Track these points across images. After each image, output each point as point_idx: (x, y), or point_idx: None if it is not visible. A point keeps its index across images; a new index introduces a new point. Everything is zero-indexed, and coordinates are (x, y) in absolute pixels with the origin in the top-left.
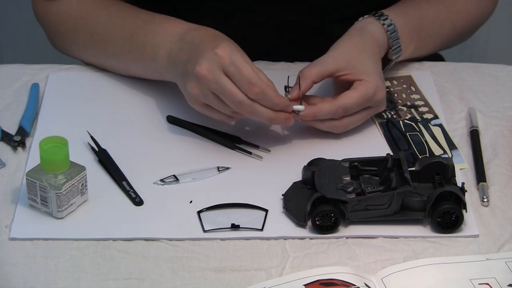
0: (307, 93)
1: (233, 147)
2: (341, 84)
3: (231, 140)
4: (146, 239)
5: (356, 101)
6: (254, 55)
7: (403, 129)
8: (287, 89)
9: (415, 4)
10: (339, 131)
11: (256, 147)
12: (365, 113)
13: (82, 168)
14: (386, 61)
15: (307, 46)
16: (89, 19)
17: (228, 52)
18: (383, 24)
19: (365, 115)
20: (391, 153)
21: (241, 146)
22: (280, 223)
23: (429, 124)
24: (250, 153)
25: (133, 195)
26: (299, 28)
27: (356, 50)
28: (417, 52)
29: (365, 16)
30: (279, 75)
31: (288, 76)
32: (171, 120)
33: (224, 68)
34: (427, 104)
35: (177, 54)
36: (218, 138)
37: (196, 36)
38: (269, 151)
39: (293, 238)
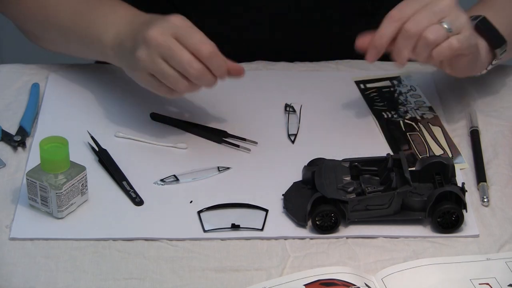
0: None
1: (219, 141)
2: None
3: (217, 134)
4: (146, 239)
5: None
6: (253, 53)
7: (403, 129)
8: (287, 108)
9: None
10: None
11: (243, 140)
12: (437, 30)
13: (82, 168)
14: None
15: (307, 44)
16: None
17: (180, 18)
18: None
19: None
20: (391, 153)
21: (227, 139)
22: (280, 223)
23: (429, 124)
24: (238, 146)
25: (133, 195)
26: (299, 26)
27: None
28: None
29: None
30: (279, 75)
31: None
32: (155, 116)
33: (176, 32)
34: (427, 104)
35: (126, 35)
36: (205, 133)
37: (147, 16)
38: (256, 143)
39: (293, 238)
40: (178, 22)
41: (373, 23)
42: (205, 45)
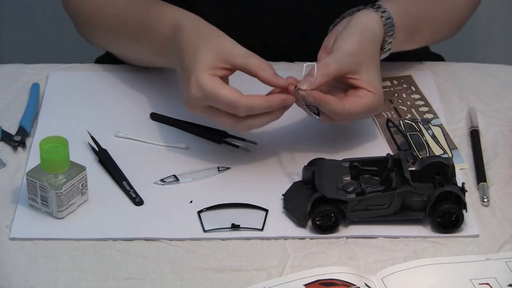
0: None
1: (219, 141)
2: (340, 84)
3: (217, 134)
4: (146, 239)
5: (362, 112)
6: (256, 44)
7: (403, 129)
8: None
9: (413, 1)
10: (325, 122)
11: (243, 140)
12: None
13: (82, 168)
14: None
15: (309, 37)
16: (99, 13)
17: (199, 89)
18: (381, 17)
19: (357, 120)
20: (391, 153)
21: (227, 140)
22: (280, 223)
23: (429, 124)
24: (238, 146)
25: (133, 195)
26: (301, 17)
27: (368, 55)
28: (411, 45)
29: (364, 8)
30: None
31: (304, 65)
32: (154, 117)
33: (204, 103)
34: (427, 104)
35: (173, 53)
36: (205, 133)
37: (178, 49)
38: (256, 143)
39: (293, 238)
40: (198, 93)
41: None
42: (237, 109)
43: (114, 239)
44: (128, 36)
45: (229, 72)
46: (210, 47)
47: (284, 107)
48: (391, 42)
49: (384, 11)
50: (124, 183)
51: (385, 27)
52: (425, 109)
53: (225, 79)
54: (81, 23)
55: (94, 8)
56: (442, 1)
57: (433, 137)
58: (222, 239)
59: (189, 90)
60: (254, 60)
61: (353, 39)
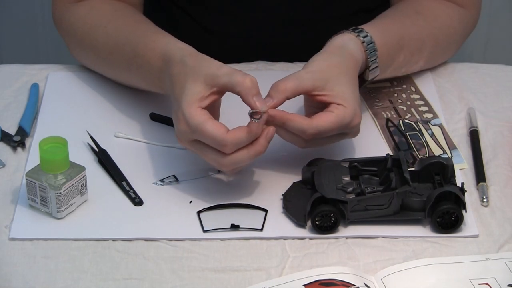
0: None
1: None
2: (314, 104)
3: None
4: (146, 239)
5: (332, 126)
6: (255, 51)
7: (403, 129)
8: (253, 116)
9: (397, 21)
10: (302, 147)
11: None
12: (335, 138)
13: (82, 168)
14: (361, 80)
15: (308, 43)
16: (90, 36)
17: (186, 123)
18: (363, 42)
19: (334, 140)
20: (391, 153)
21: None
22: (280, 223)
23: (429, 124)
24: None
25: (133, 195)
26: (300, 24)
27: (335, 70)
28: (397, 71)
29: (344, 31)
30: (279, 75)
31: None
32: (154, 117)
33: (192, 137)
34: (427, 104)
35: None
36: None
37: (169, 81)
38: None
39: (293, 238)
40: (185, 127)
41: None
42: (223, 147)
43: (114, 239)
44: (119, 64)
45: (217, 96)
46: (197, 77)
47: (266, 138)
48: (375, 59)
49: (361, 31)
50: (124, 183)
51: (364, 44)
52: (425, 109)
53: (216, 106)
54: (73, 46)
55: (85, 31)
56: (430, 21)
57: (433, 137)
58: (221, 239)
59: (178, 123)
60: (238, 77)
61: (318, 57)
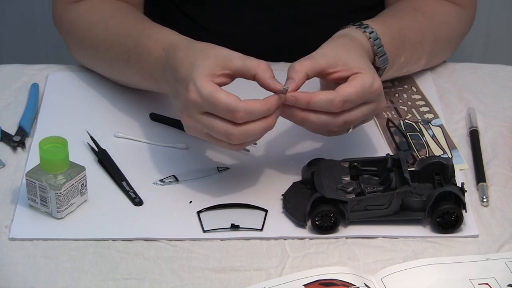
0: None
1: None
2: (331, 86)
3: None
4: (146, 239)
5: (355, 90)
6: (255, 51)
7: (403, 129)
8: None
9: (396, 16)
10: (336, 129)
11: None
12: (364, 108)
13: (82, 168)
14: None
15: (308, 43)
16: (90, 33)
17: (197, 93)
18: (364, 31)
19: (365, 111)
20: (391, 153)
21: None
22: (279, 223)
23: (430, 124)
24: None
25: (133, 195)
26: (300, 23)
27: (344, 49)
28: (406, 64)
29: (349, 26)
30: (279, 75)
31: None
32: (154, 117)
33: (202, 109)
34: (428, 104)
35: (165, 79)
36: None
37: (171, 67)
38: (255, 144)
39: (293, 238)
40: (196, 96)
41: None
42: (235, 113)
43: (114, 239)
44: (118, 58)
45: (228, 79)
46: (207, 56)
47: (279, 110)
48: (382, 47)
49: (364, 25)
50: (124, 183)
51: (367, 33)
52: (426, 109)
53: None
54: (72, 45)
55: (86, 29)
56: (428, 17)
57: (433, 137)
58: (221, 239)
59: (188, 95)
60: (252, 60)
61: (324, 44)
